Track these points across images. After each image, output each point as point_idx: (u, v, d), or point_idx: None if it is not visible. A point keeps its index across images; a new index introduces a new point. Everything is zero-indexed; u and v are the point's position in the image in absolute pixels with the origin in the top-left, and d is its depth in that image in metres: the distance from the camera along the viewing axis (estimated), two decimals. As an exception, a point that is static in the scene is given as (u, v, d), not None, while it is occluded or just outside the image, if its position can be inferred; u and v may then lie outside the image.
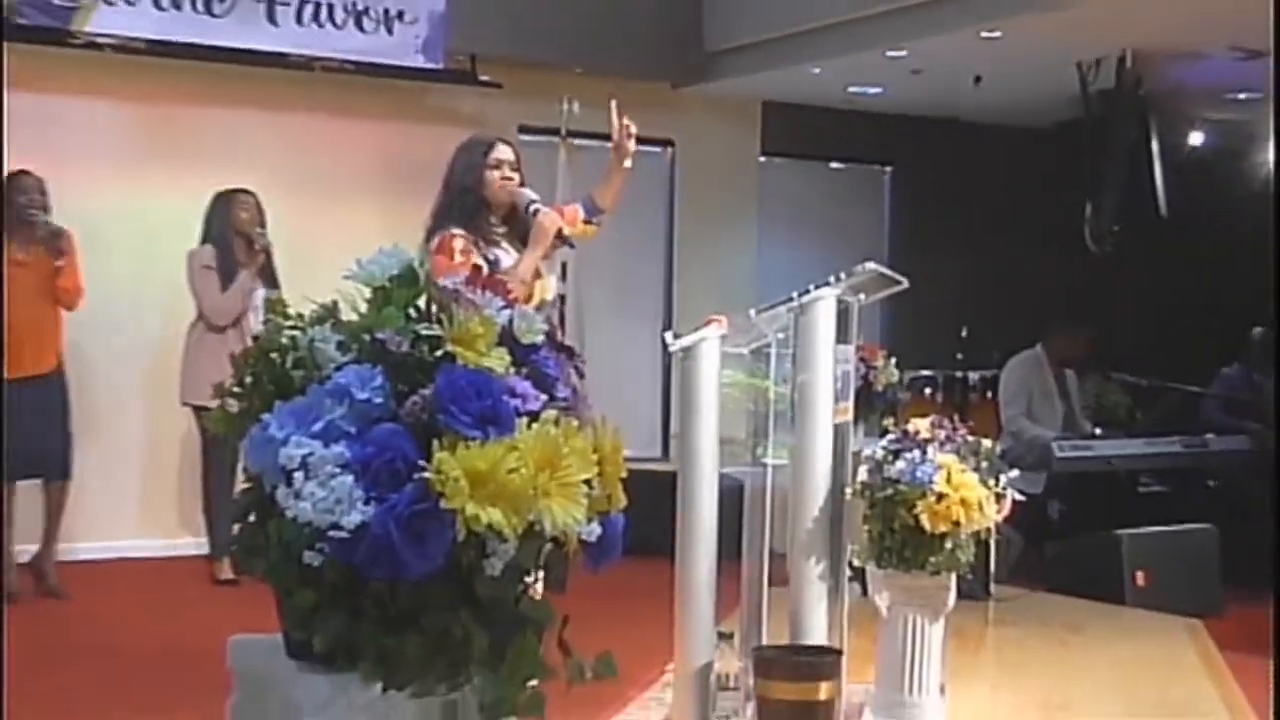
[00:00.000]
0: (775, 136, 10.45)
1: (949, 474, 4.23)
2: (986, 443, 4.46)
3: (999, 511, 4.40)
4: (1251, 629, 6.89)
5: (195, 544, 7.83)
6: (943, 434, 4.38)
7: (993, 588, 6.65)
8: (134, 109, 8.28)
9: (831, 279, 4.24)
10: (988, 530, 4.40)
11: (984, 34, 7.99)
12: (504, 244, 4.75)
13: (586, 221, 5.01)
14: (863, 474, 4.34)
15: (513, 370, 1.99)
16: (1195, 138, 10.43)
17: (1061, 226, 9.64)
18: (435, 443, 1.84)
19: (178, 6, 7.89)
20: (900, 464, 4.27)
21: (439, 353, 1.95)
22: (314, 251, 7.20)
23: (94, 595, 7.20)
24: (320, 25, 8.27)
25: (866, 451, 4.45)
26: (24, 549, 7.26)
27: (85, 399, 7.58)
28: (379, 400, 1.90)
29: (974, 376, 9.78)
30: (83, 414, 7.47)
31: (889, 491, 4.25)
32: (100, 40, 7.84)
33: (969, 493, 4.22)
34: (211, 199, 7.55)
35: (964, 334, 9.67)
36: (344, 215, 8.37)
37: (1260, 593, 7.41)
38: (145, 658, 5.96)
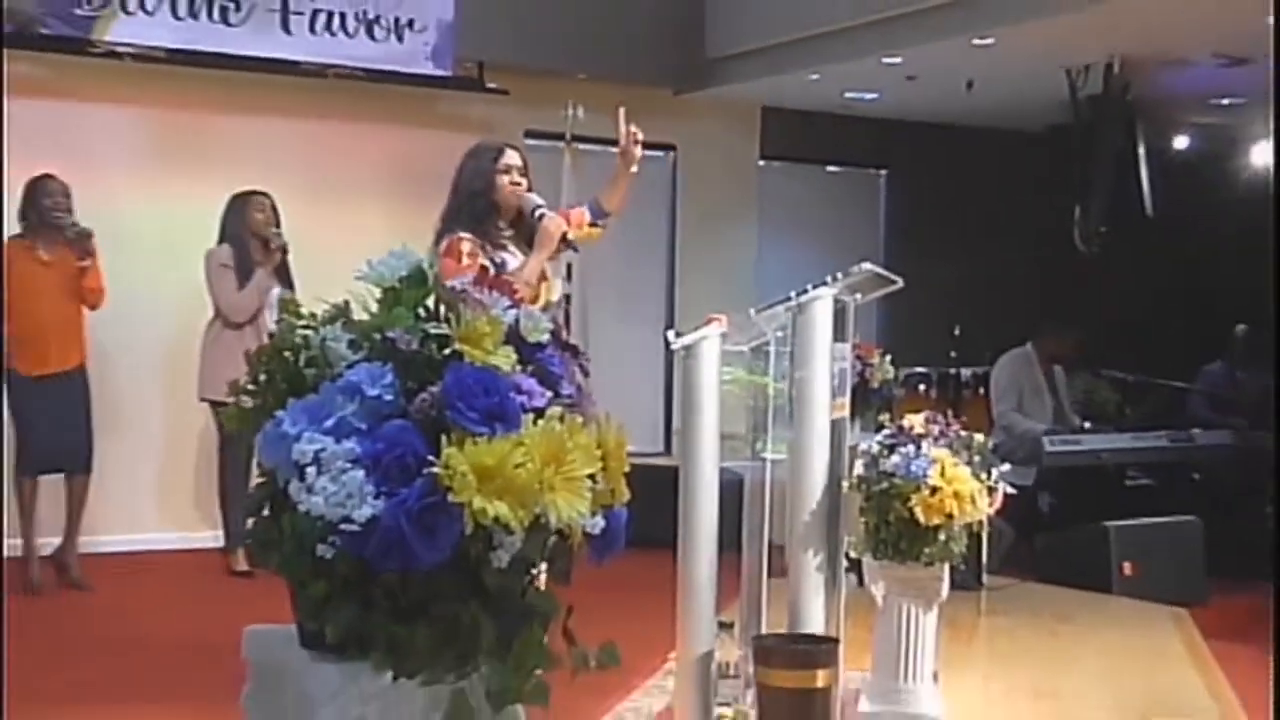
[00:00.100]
0: (774, 141, 10.45)
1: (942, 468, 4.22)
2: (979, 437, 4.46)
3: (991, 504, 4.39)
4: (1234, 618, 6.90)
5: (212, 537, 7.82)
6: (936, 429, 4.38)
7: (985, 578, 6.64)
8: (153, 115, 8.28)
9: (829, 279, 4.24)
10: (980, 522, 4.39)
11: (976, 41, 7.99)
12: (510, 247, 4.75)
13: (592, 224, 5.00)
14: (859, 468, 4.34)
15: (519, 368, 1.99)
16: (1180, 142, 10.43)
17: (1051, 228, 9.64)
18: (444, 438, 1.83)
19: (195, 16, 7.90)
20: (895, 458, 4.27)
21: (447, 351, 1.94)
22: (326, 253, 7.19)
23: (115, 587, 7.20)
24: (332, 34, 8.27)
25: (863, 446, 4.44)
26: (47, 542, 7.26)
27: (107, 395, 7.59)
28: (389, 397, 1.90)
29: (966, 373, 9.77)
30: (104, 410, 7.48)
31: (884, 485, 4.25)
32: (120, 49, 7.84)
33: (962, 486, 4.22)
34: (228, 200, 7.55)
35: (957, 332, 9.65)
36: (355, 218, 8.37)
37: (1243, 583, 7.44)
38: (164, 647, 5.97)
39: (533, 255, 4.68)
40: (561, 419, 1.93)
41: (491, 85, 8.92)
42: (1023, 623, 6.28)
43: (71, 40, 7.70)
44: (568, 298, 7.98)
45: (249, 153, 8.28)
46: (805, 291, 4.15)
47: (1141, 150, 9.41)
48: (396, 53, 8.47)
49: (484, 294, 2.02)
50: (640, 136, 4.95)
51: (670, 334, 4.19)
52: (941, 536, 4.25)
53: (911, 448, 4.28)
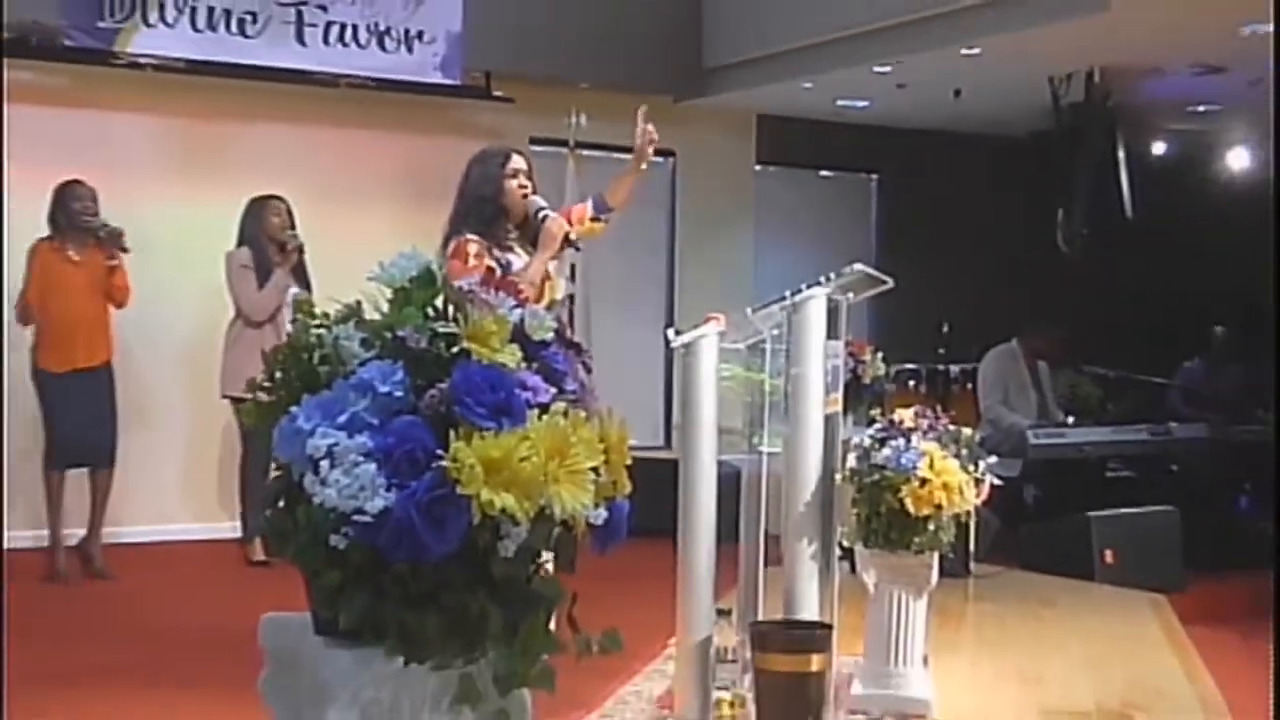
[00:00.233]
0: (770, 147, 10.44)
1: (931, 460, 4.22)
2: (966, 431, 4.45)
3: (978, 495, 4.39)
4: (1210, 604, 6.90)
5: (232, 528, 7.82)
6: (925, 423, 4.37)
7: (972, 566, 6.64)
8: (173, 123, 8.28)
9: (822, 279, 4.24)
10: (967, 513, 4.39)
11: (964, 51, 7.99)
12: (516, 248, 4.74)
13: (594, 219, 4.96)
14: (851, 461, 4.34)
15: (524, 365, 1.98)
16: (1159, 147, 10.43)
17: (1035, 230, 9.64)
18: (452, 433, 1.83)
19: (213, 28, 7.89)
20: (886, 451, 4.26)
21: (455, 349, 1.94)
22: (338, 255, 7.19)
23: (137, 576, 7.20)
24: (345, 45, 8.26)
25: (855, 440, 4.44)
26: (72, 533, 7.26)
27: (132, 392, 7.59)
28: (399, 394, 1.89)
29: (955, 369, 9.76)
30: (129, 406, 7.48)
31: (876, 477, 4.25)
32: (142, 60, 7.85)
33: (950, 478, 4.21)
34: (246, 205, 7.56)
35: (945, 330, 9.65)
36: (367, 221, 8.36)
37: (1217, 571, 7.45)
38: (183, 634, 5.96)
39: (536, 256, 4.67)
40: (565, 414, 1.93)
41: (498, 94, 8.91)
42: (1009, 609, 6.28)
43: (95, 52, 7.69)
44: (572, 297, 7.97)
45: (265, 159, 8.28)
46: (800, 291, 4.15)
47: (1121, 156, 9.40)
48: (406, 63, 8.46)
49: (490, 294, 2.02)
50: (655, 137, 4.93)
51: (670, 332, 4.18)
52: (931, 526, 4.25)
53: (902, 441, 4.27)
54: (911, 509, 4.19)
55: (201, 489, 8.28)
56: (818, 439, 4.15)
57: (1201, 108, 9.59)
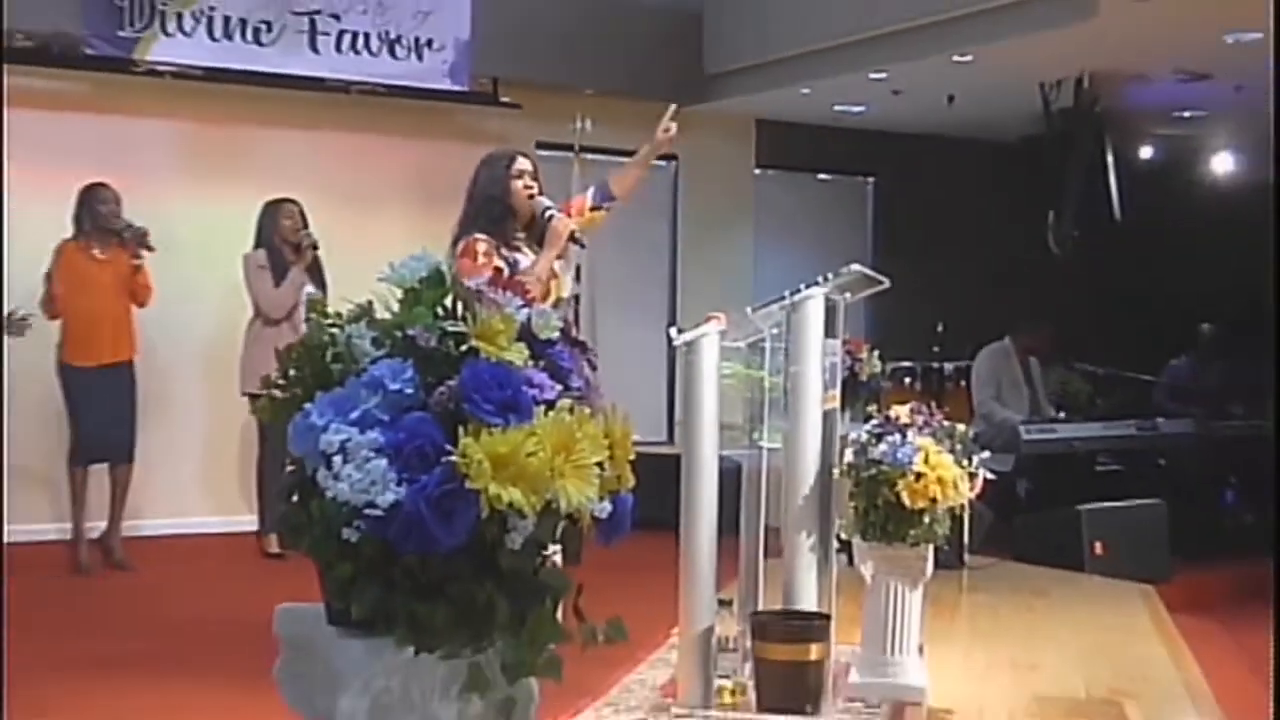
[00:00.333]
0: (768, 151, 10.44)
1: (927, 455, 4.20)
2: (960, 427, 4.43)
3: (972, 489, 4.37)
4: (1196, 594, 6.91)
5: (250, 521, 7.82)
6: (921, 419, 4.35)
7: (966, 558, 6.62)
8: (191, 128, 8.29)
9: (820, 279, 4.22)
10: (962, 506, 4.37)
11: (957, 58, 7.98)
12: (523, 247, 4.74)
13: (595, 208, 4.95)
14: (849, 456, 4.32)
15: (531, 363, 1.97)
16: (1146, 151, 10.43)
17: (1027, 232, 9.63)
18: (461, 429, 1.82)
19: (229, 37, 7.90)
20: (883, 446, 4.24)
21: (464, 347, 1.93)
22: (350, 256, 7.19)
23: (157, 568, 7.20)
24: (357, 52, 8.27)
25: (852, 435, 4.42)
26: (93, 526, 7.27)
27: (153, 389, 7.60)
28: (410, 391, 1.89)
29: (949, 367, 9.76)
30: (151, 402, 7.50)
31: (872, 471, 4.23)
32: (160, 68, 7.86)
33: (945, 472, 4.20)
34: (261, 207, 7.58)
35: (940, 329, 9.64)
36: (378, 224, 8.37)
37: (1203, 561, 7.44)
38: (200, 623, 5.97)
39: (543, 254, 4.67)
40: (571, 410, 1.92)
41: (505, 100, 8.91)
42: (1002, 599, 6.26)
43: (115, 60, 7.71)
44: (577, 297, 7.96)
45: (280, 163, 8.28)
46: (798, 291, 4.14)
47: (1110, 159, 9.40)
48: (416, 70, 8.46)
49: (498, 294, 2.01)
50: (674, 132, 4.91)
51: (672, 331, 4.17)
52: (926, 519, 4.23)
53: (898, 436, 4.25)
54: (907, 502, 4.17)
55: (220, 483, 8.27)
56: (816, 435, 4.14)
57: (1187, 113, 9.59)
